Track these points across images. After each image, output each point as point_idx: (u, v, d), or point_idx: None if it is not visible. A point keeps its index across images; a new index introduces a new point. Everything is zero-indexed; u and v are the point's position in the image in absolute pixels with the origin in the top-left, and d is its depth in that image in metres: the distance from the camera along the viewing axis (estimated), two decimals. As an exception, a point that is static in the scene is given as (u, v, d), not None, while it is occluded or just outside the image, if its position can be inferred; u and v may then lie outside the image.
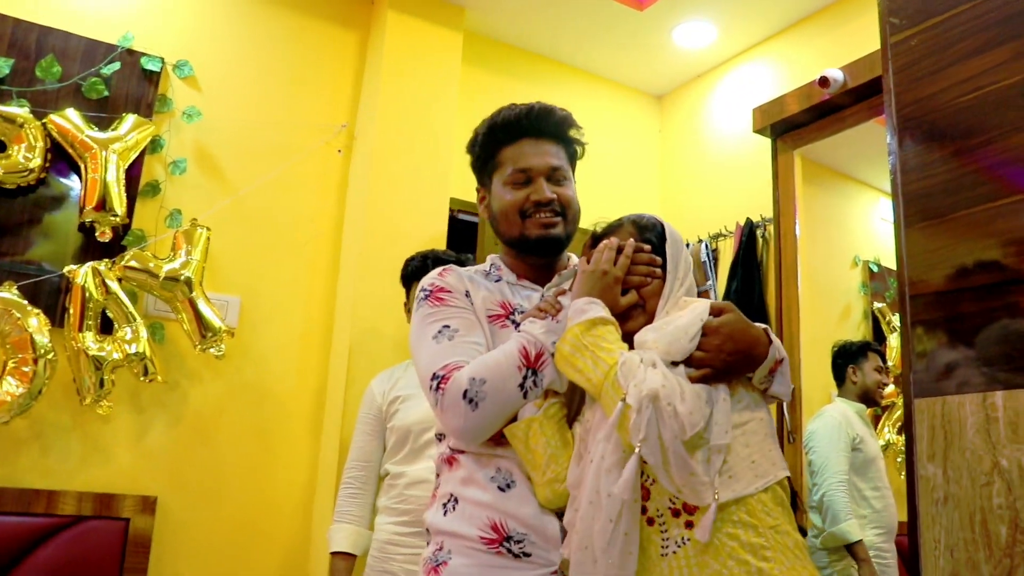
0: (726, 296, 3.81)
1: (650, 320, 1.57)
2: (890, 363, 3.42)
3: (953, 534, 1.91)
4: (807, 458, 3.15)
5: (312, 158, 3.58)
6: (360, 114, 3.68)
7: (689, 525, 1.35)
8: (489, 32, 4.13)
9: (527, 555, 1.52)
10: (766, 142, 3.67)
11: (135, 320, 2.95)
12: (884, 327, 3.66)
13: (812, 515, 3.07)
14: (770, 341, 1.50)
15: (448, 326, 1.64)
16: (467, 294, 1.70)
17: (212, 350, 3.03)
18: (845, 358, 3.35)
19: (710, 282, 3.98)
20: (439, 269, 1.76)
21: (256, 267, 3.38)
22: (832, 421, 3.16)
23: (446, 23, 3.77)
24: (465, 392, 1.49)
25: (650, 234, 1.65)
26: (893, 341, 3.50)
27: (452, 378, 1.52)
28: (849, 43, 3.47)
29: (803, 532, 1.45)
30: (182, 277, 2.99)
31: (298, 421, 3.38)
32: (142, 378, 2.94)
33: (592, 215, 4.05)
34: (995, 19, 2.06)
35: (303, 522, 3.29)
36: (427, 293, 1.70)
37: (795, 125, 3.50)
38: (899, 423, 3.41)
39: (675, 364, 1.41)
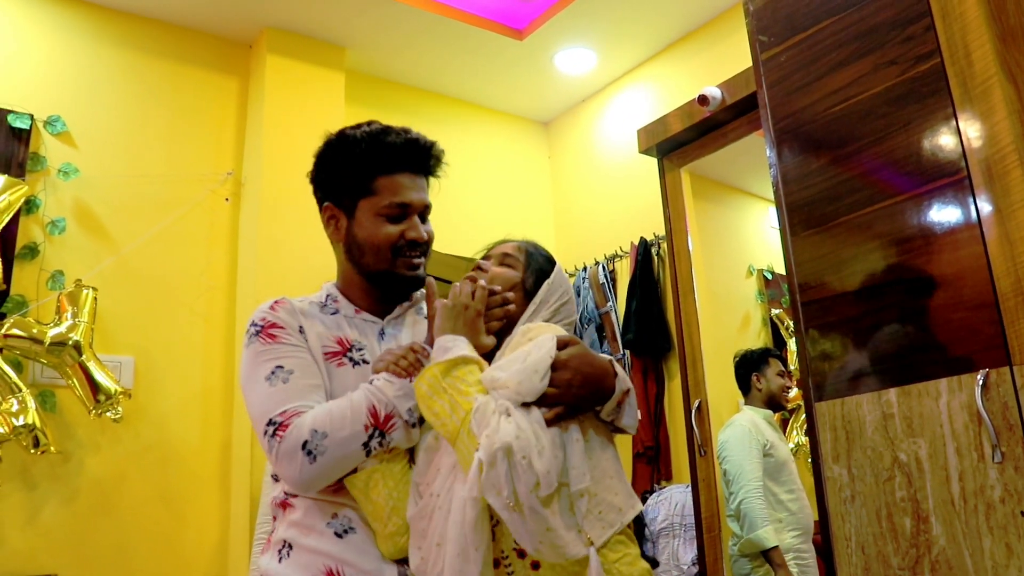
0: (627, 315, 3.86)
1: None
2: (792, 367, 3.51)
3: (862, 530, 1.96)
4: (721, 468, 3.19)
5: (199, 208, 3.49)
6: (246, 160, 3.61)
7: (535, 566, 1.32)
8: (371, 70, 4.11)
9: None
10: (653, 162, 3.74)
11: (20, 390, 2.80)
12: (783, 332, 3.76)
13: (730, 523, 3.12)
14: (615, 373, 1.46)
15: (282, 366, 1.53)
16: (300, 330, 1.59)
17: (109, 414, 2.91)
18: (748, 366, 3.42)
19: (610, 303, 4.02)
20: (270, 302, 1.64)
21: (148, 325, 3.26)
22: (742, 430, 3.21)
23: (327, 63, 3.74)
24: (305, 443, 1.41)
25: (513, 260, 1.65)
26: (793, 345, 3.59)
27: (292, 426, 1.43)
28: (724, 61, 3.58)
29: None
30: (70, 341, 2.86)
31: (205, 480, 3.26)
32: (32, 450, 2.79)
33: (486, 243, 4.05)
34: (855, 33, 2.16)
35: (216, 584, 3.18)
36: (258, 329, 1.58)
37: (679, 143, 3.58)
38: (806, 425, 3.51)
39: (526, 405, 1.35)
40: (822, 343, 2.13)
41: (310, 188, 1.73)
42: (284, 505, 1.57)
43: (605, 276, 4.08)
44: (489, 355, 1.53)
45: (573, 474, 1.33)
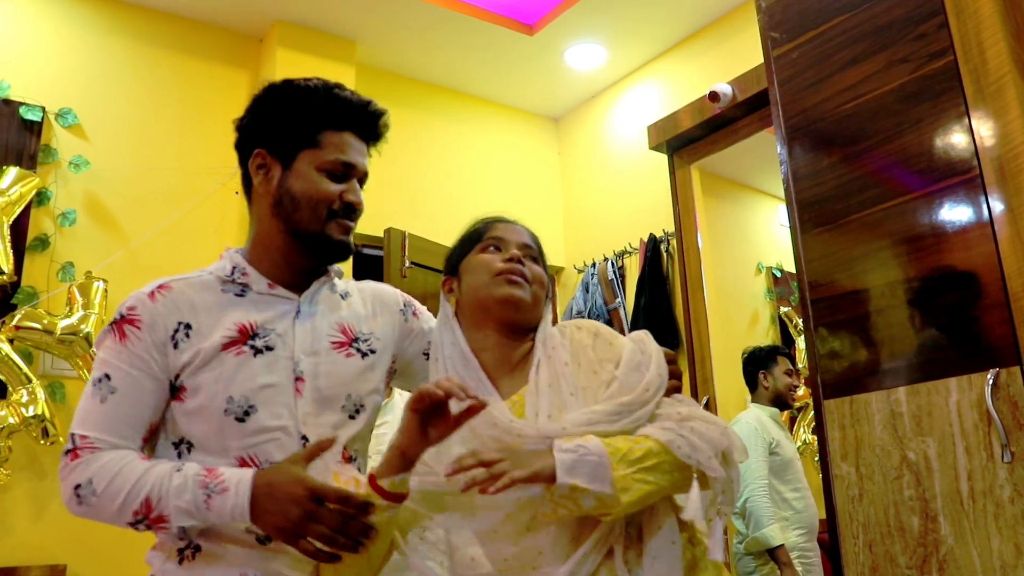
0: (635, 312, 3.86)
1: (536, 304, 1.48)
2: (800, 365, 3.50)
3: (870, 529, 1.95)
4: None
5: (209, 201, 3.49)
6: (256, 154, 3.62)
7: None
8: (381, 64, 4.12)
9: None
10: (663, 158, 3.74)
11: (31, 381, 2.82)
12: (791, 330, 3.75)
13: (736, 521, 3.12)
14: None
15: (109, 377, 1.36)
16: (180, 329, 1.40)
17: (117, 406, 2.92)
18: (755, 364, 3.41)
19: (619, 300, 4.02)
20: (152, 285, 1.45)
21: (157, 317, 3.27)
22: (748, 428, 3.20)
23: (337, 57, 3.74)
24: (79, 486, 1.30)
25: (538, 253, 1.56)
26: (801, 344, 3.58)
27: (80, 461, 1.30)
28: (735, 57, 3.57)
29: None
30: (80, 332, 2.87)
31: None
32: (42, 441, 2.81)
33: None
34: (867, 31, 2.15)
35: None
36: (118, 317, 1.41)
37: (690, 140, 3.58)
38: (813, 424, 3.50)
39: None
40: (831, 341, 2.12)
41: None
42: None
43: (614, 272, 4.08)
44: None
45: None
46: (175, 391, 1.41)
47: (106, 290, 3.02)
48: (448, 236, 1.68)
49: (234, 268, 1.50)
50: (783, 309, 3.82)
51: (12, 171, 2.99)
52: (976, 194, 1.85)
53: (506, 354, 1.46)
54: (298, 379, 1.43)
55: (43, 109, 3.18)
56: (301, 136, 1.51)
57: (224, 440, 1.38)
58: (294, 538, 1.27)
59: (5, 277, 2.87)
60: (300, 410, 1.42)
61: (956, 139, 1.91)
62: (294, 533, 1.27)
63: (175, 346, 1.40)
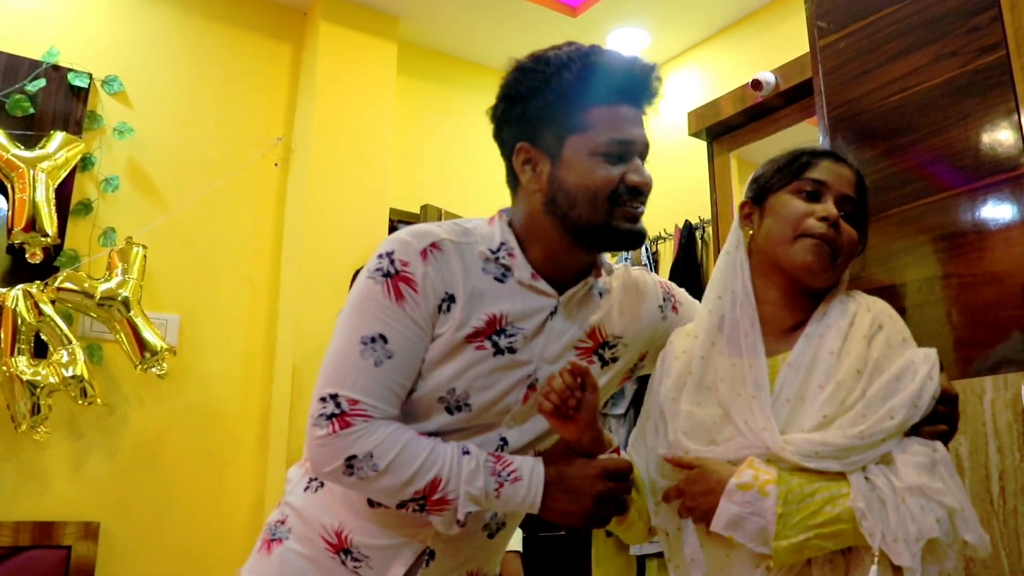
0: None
1: (842, 271, 1.35)
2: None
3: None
4: None
5: (248, 172, 3.53)
6: (296, 127, 3.64)
7: None
8: (423, 42, 4.12)
9: (357, 573, 1.33)
10: (702, 145, 3.72)
11: (71, 342, 2.87)
12: (823, 324, 3.73)
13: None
14: None
15: (387, 340, 1.25)
16: (447, 303, 1.28)
17: (154, 370, 2.97)
18: None
19: (652, 285, 4.01)
20: (424, 240, 1.30)
21: (194, 285, 3.32)
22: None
23: (380, 33, 3.75)
24: (353, 457, 1.22)
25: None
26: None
27: (355, 429, 1.22)
28: (779, 46, 3.54)
29: None
30: (119, 297, 2.92)
31: (244, 441, 3.32)
32: (80, 401, 2.87)
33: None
34: (917, 23, 2.12)
35: (252, 542, 3.23)
36: (391, 272, 1.28)
37: (730, 128, 3.56)
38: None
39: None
40: (866, 335, 2.11)
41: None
42: None
43: (647, 257, 4.07)
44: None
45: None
46: None
47: (145, 256, 3.06)
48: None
49: (501, 245, 1.35)
50: (817, 302, 3.79)
51: (59, 136, 3.04)
52: (1021, 192, 1.83)
53: (785, 313, 1.34)
54: (530, 387, 1.34)
55: (90, 76, 3.22)
56: (564, 120, 1.32)
57: (425, 419, 1.31)
58: (584, 521, 1.26)
59: (49, 240, 2.93)
60: (512, 413, 1.34)
61: (1003, 136, 1.88)
62: (581, 517, 1.26)
63: (439, 314, 1.30)
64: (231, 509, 3.24)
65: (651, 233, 4.14)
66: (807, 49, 2.46)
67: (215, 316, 3.34)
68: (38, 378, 2.76)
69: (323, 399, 1.23)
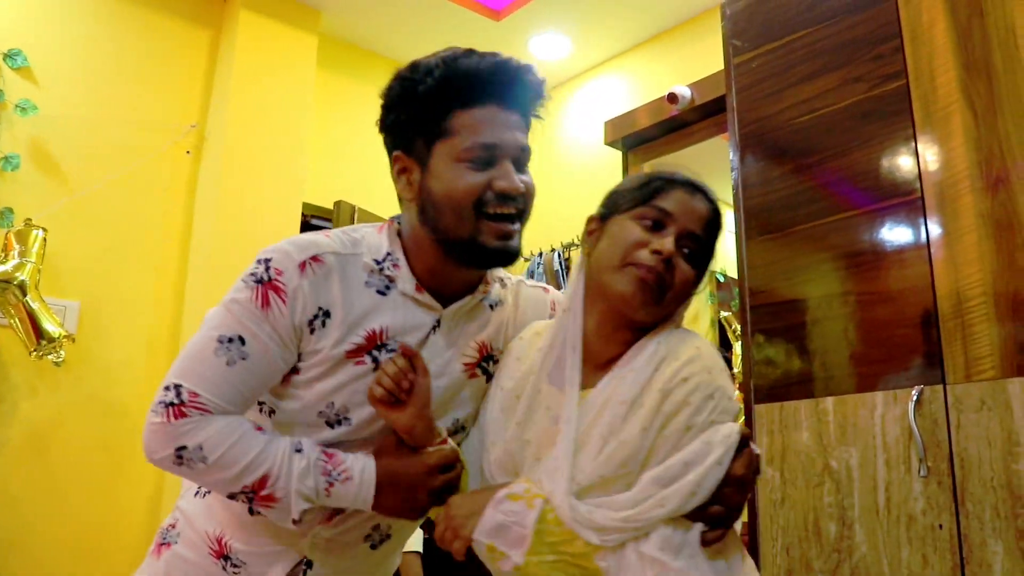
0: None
1: (671, 307, 1.21)
2: (735, 370, 3.56)
3: (789, 533, 2.01)
4: None
5: (159, 159, 3.43)
6: (211, 115, 3.56)
7: None
8: (345, 36, 4.08)
9: None
10: (617, 154, 3.77)
11: (-42, 328, 2.75)
12: (730, 335, 3.81)
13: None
14: None
15: (244, 342, 1.21)
16: (319, 317, 1.24)
17: (50, 357, 2.86)
18: None
19: (563, 291, 4.04)
20: (304, 253, 1.25)
21: (98, 271, 3.21)
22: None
23: (301, 25, 3.69)
24: (183, 448, 1.19)
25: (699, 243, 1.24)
26: (738, 349, 3.64)
27: (189, 420, 1.19)
28: (697, 62, 3.61)
29: None
30: (15, 280, 2.81)
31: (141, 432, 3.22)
32: (-34, 390, 2.75)
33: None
34: (827, 47, 2.20)
35: (149, 532, 3.15)
36: (263, 280, 1.23)
37: (645, 139, 3.62)
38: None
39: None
40: (767, 347, 2.17)
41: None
42: None
43: (560, 263, 4.11)
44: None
45: None
46: (293, 369, 1.28)
47: (45, 239, 2.95)
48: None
49: (387, 255, 1.30)
50: (723, 313, 3.87)
51: (-46, 110, 2.92)
52: (916, 216, 1.90)
53: (604, 344, 1.22)
54: None
55: (-9, 49, 3.09)
56: (430, 127, 1.27)
57: (305, 432, 1.28)
58: (413, 515, 1.26)
59: (-61, 218, 2.80)
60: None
61: (902, 161, 1.96)
62: (415, 512, 1.26)
63: (311, 331, 1.25)
64: (128, 504, 3.15)
65: (564, 239, 4.18)
66: (723, 66, 2.52)
67: (118, 304, 3.24)
68: (-78, 363, 2.64)
69: (167, 388, 1.21)
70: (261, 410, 1.31)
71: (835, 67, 2.17)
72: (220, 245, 3.27)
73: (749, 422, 2.15)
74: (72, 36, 3.32)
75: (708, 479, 1.08)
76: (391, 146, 1.34)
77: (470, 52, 1.30)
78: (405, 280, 1.29)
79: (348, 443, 1.28)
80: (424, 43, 4.18)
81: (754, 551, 2.07)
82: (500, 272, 1.40)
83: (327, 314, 1.24)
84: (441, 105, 1.27)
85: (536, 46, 4.16)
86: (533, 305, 1.43)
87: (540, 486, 1.16)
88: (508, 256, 1.26)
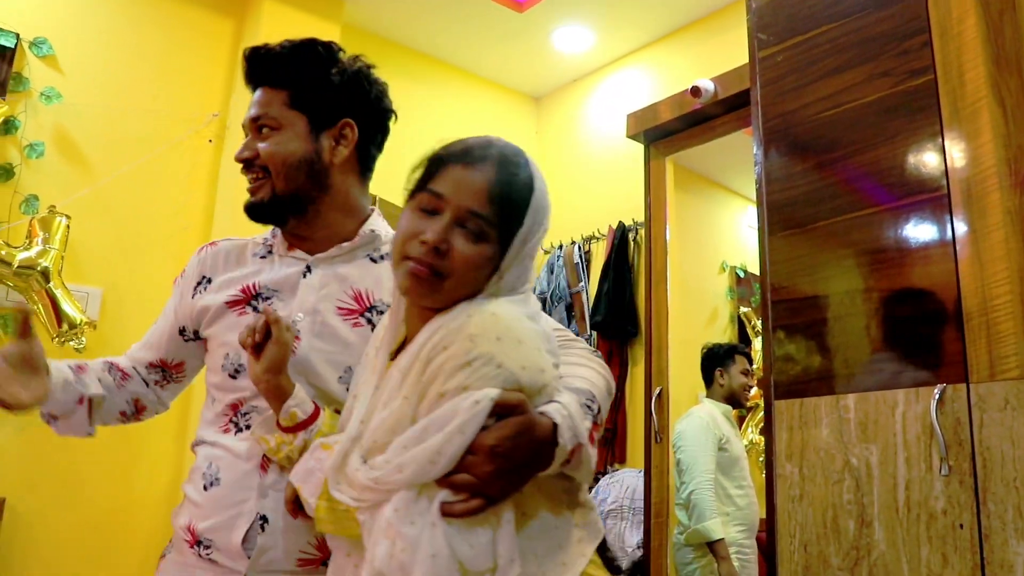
0: (597, 297, 3.88)
1: (463, 290, 1.15)
2: (754, 366, 3.55)
3: (807, 529, 2.00)
4: (675, 456, 3.23)
5: (181, 147, 3.45)
6: (233, 104, 3.58)
7: None
8: (368, 25, 4.08)
9: (213, 562, 1.39)
10: (639, 147, 3.75)
11: (-21, 312, 2.78)
12: (749, 331, 3.80)
13: (679, 512, 3.16)
14: (555, 440, 1.10)
15: (165, 308, 1.63)
16: (205, 280, 1.54)
17: (72, 343, 2.89)
18: (713, 360, 3.46)
19: (582, 284, 4.04)
20: (206, 244, 1.65)
21: (120, 258, 3.24)
22: (700, 422, 3.24)
23: (324, 14, 3.70)
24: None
25: (483, 225, 1.14)
26: (758, 345, 3.63)
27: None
28: (721, 55, 3.59)
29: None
30: (38, 266, 2.83)
31: (161, 421, 3.24)
32: (-11, 373, 2.77)
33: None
34: (853, 41, 2.17)
35: (165, 520, 3.17)
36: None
37: (667, 132, 3.59)
38: (761, 424, 3.55)
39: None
40: (788, 343, 2.16)
41: None
42: (193, 452, 1.53)
43: (580, 256, 4.10)
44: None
45: (500, 563, 1.04)
46: (200, 340, 1.55)
47: (68, 226, 2.97)
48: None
49: (273, 234, 1.57)
50: (743, 309, 3.86)
51: (-20, 96, 2.94)
52: (942, 213, 1.88)
53: (414, 321, 1.20)
54: (295, 338, 1.39)
55: (17, 36, 3.11)
56: None
57: (221, 390, 1.47)
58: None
59: (-35, 203, 2.83)
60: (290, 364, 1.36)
61: (928, 157, 1.94)
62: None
63: (193, 296, 1.53)
64: (144, 489, 3.17)
65: (584, 232, 4.18)
66: (747, 60, 2.50)
67: (139, 291, 3.26)
68: (-54, 347, 2.67)
69: None
70: (209, 400, 1.53)
71: (861, 62, 2.15)
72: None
73: (768, 418, 2.14)
74: (96, 24, 3.35)
75: (448, 446, 1.03)
76: None
77: (252, 48, 1.52)
78: (279, 244, 1.53)
79: (257, 394, 1.38)
80: (446, 33, 4.18)
81: (772, 547, 2.06)
82: (375, 229, 1.54)
83: (208, 280, 1.53)
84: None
85: (559, 38, 4.15)
86: None
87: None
88: (251, 207, 1.50)
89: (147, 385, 1.66)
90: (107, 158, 3.26)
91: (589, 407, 1.19)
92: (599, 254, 4.06)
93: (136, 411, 1.67)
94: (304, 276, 1.47)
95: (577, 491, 1.19)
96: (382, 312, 1.43)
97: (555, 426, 1.09)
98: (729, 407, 3.42)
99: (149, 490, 3.19)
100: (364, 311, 1.44)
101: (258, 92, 1.50)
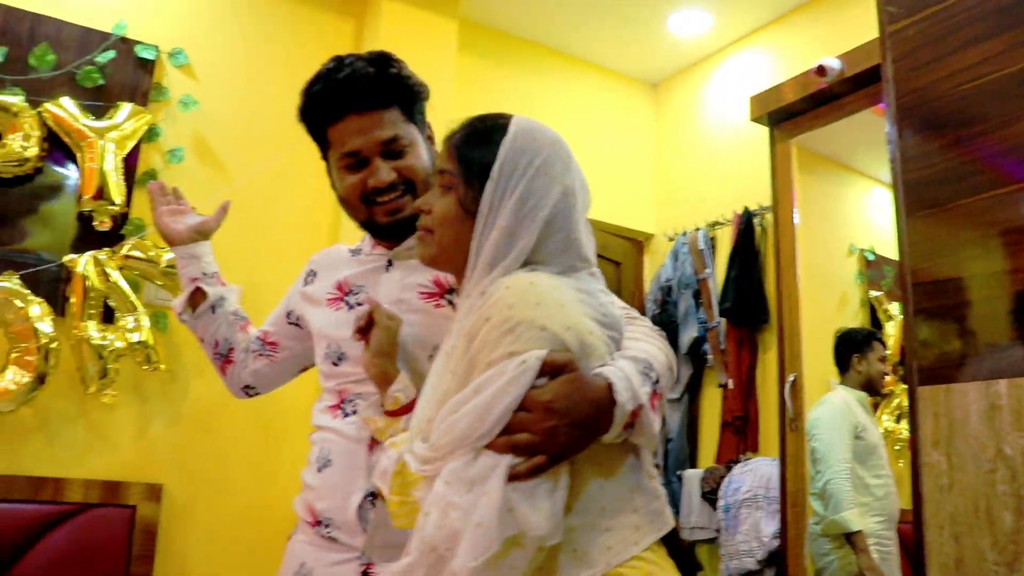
0: (725, 284, 3.82)
1: (447, 241, 1.24)
2: (887, 352, 3.44)
3: (958, 521, 1.93)
4: (809, 445, 3.16)
5: (310, 147, 3.54)
6: (357, 103, 3.67)
7: None
8: (484, 20, 4.12)
9: (333, 539, 1.49)
10: (762, 131, 3.68)
11: (137, 309, 2.94)
12: (881, 315, 3.68)
13: (814, 502, 3.08)
14: (614, 400, 1.11)
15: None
16: (311, 274, 1.74)
17: (214, 339, 3.03)
18: (850, 346, 3.35)
19: (708, 270, 3.99)
20: (318, 251, 1.86)
21: (256, 257, 3.37)
22: (835, 409, 3.16)
23: (441, 11, 3.75)
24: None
25: (448, 178, 1.26)
26: (890, 330, 3.52)
27: None
28: (846, 31, 3.48)
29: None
30: (181, 267, 2.98)
31: (298, 412, 3.35)
32: (145, 367, 2.94)
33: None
34: (992, 8, 2.07)
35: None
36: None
37: (792, 113, 3.51)
38: (897, 411, 3.43)
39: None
40: (929, 327, 2.09)
41: None
42: (310, 441, 1.69)
43: (705, 243, 4.05)
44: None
45: (551, 528, 1.04)
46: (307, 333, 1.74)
47: (209, 227, 3.12)
48: None
49: (364, 238, 1.71)
50: (873, 293, 3.74)
51: (126, 107, 3.11)
52: (1097, 187, 1.79)
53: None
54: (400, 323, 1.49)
55: (157, 48, 3.27)
56: (319, 142, 1.64)
57: (327, 379, 1.63)
58: None
59: (117, 208, 3.00)
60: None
61: (1081, 129, 1.84)
62: None
63: (304, 285, 1.76)
64: (287, 478, 3.29)
65: (708, 219, 4.12)
66: (875, 34, 2.41)
67: (274, 289, 3.35)
68: (106, 343, 2.84)
69: None
70: (323, 390, 1.67)
71: (1000, 31, 2.05)
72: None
73: (912, 404, 2.07)
74: (226, 33, 3.49)
75: (496, 403, 1.05)
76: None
77: (320, 73, 1.57)
78: (366, 244, 1.68)
79: (360, 379, 1.50)
80: (562, 23, 4.18)
81: (919, 538, 2.00)
82: None
83: (315, 274, 1.73)
84: (316, 126, 1.60)
85: (675, 23, 4.10)
86: None
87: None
88: (400, 225, 1.54)
89: (247, 350, 1.87)
90: (241, 160, 3.40)
91: (647, 375, 1.19)
92: (725, 240, 4.00)
93: (224, 356, 1.89)
94: (386, 270, 1.60)
95: (641, 472, 1.19)
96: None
97: (610, 386, 1.11)
98: (865, 394, 3.30)
99: (292, 479, 3.31)
100: (444, 293, 1.54)
101: (374, 115, 1.52)
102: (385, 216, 1.54)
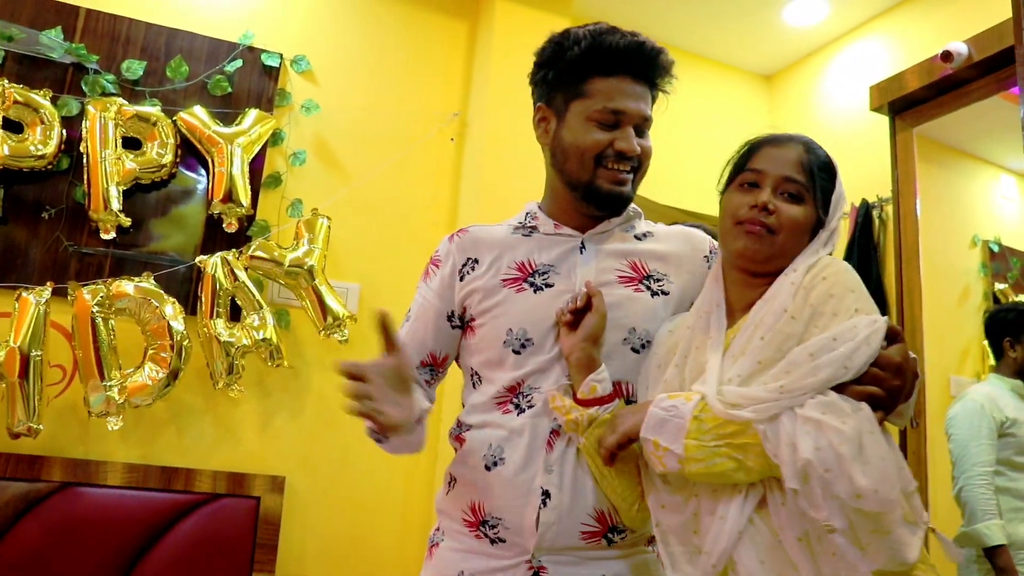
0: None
1: (782, 254, 1.36)
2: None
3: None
4: (948, 446, 2.91)
5: (426, 146, 3.64)
6: (471, 102, 3.73)
7: None
8: (596, 16, 4.07)
9: (501, 540, 1.44)
10: (881, 120, 3.58)
11: (262, 307, 3.06)
12: (1007, 309, 3.52)
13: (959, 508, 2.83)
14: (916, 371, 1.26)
15: (411, 308, 1.66)
16: (471, 263, 1.58)
17: (335, 335, 3.13)
18: (1002, 330, 3.06)
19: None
20: (456, 231, 1.67)
21: (374, 255, 3.46)
22: (973, 406, 2.88)
23: (554, 9, 3.77)
24: None
25: (800, 188, 1.38)
26: (1020, 323, 3.35)
27: None
28: (972, 15, 3.34)
29: None
30: (305, 265, 3.09)
31: (424, 407, 3.44)
32: (269, 363, 3.06)
33: (697, 198, 3.94)
34: None
35: (426, 503, 3.36)
36: (430, 260, 1.69)
37: (914, 102, 3.40)
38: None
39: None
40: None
41: (531, 132, 1.68)
42: (458, 439, 1.58)
43: (822, 236, 3.96)
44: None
45: (903, 475, 1.18)
46: (465, 325, 1.60)
47: (329, 227, 3.23)
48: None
49: (526, 215, 1.65)
50: (998, 286, 3.59)
51: (252, 113, 3.24)
52: None
53: (743, 293, 1.39)
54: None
55: (280, 56, 3.40)
56: (569, 87, 1.55)
57: (501, 369, 1.52)
58: None
59: (244, 211, 3.13)
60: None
61: None
62: None
63: (461, 279, 1.59)
64: (406, 473, 3.37)
65: (825, 211, 4.02)
66: (1004, 17, 2.32)
67: (394, 286, 3.47)
68: (233, 339, 2.97)
69: None
70: (473, 384, 1.59)
71: None
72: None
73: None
74: (346, 38, 3.61)
75: (858, 354, 1.16)
76: (536, 97, 1.65)
77: (614, 30, 1.53)
78: (543, 223, 1.59)
79: (542, 370, 1.48)
80: (674, 17, 4.14)
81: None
82: (634, 209, 1.62)
83: (476, 261, 1.58)
84: (583, 70, 1.53)
85: (791, 13, 4.02)
86: (687, 235, 1.65)
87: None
88: (621, 199, 1.54)
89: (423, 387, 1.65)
90: (360, 161, 3.50)
91: None
92: (843, 233, 3.90)
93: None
94: (580, 252, 1.55)
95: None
96: (659, 280, 1.55)
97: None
98: (1020, 382, 2.98)
99: (413, 470, 3.39)
100: (642, 279, 1.54)
101: (643, 88, 1.55)
102: (609, 183, 1.52)
